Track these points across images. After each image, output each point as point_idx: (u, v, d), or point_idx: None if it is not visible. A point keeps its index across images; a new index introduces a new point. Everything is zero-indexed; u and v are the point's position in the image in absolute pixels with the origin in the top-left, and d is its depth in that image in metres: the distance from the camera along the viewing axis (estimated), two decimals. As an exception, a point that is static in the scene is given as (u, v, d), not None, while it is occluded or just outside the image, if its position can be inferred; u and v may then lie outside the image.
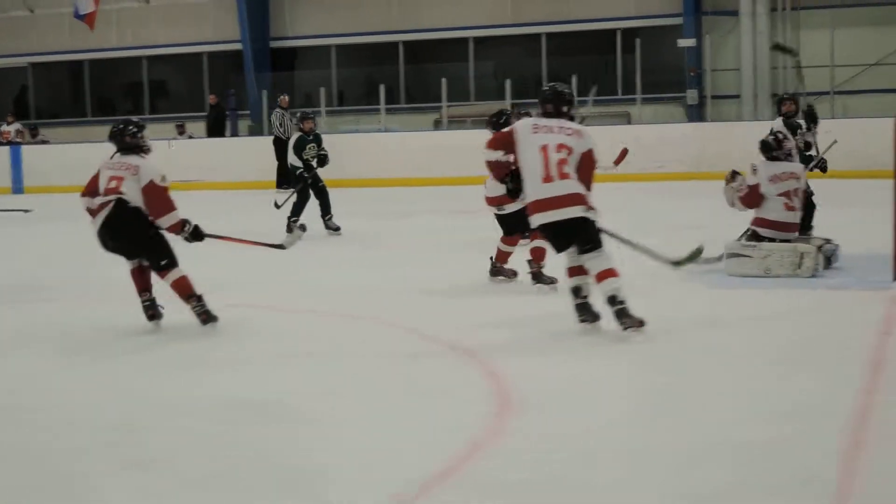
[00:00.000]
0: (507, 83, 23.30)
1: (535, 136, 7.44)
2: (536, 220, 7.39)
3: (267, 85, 25.92)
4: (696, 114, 23.32)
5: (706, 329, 7.44)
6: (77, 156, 22.66)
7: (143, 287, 8.03)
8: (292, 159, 13.66)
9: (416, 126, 24.55)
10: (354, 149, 21.97)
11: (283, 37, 27.21)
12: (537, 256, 9.06)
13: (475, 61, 26.01)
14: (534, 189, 7.38)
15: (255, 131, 25.28)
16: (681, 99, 23.77)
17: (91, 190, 7.93)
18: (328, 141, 14.26)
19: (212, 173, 22.29)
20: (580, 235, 7.30)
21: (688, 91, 23.68)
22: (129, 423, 5.47)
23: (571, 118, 7.64)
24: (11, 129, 26.28)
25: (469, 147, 20.09)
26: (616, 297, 7.12)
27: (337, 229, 13.65)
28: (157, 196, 7.73)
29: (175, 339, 7.64)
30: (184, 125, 25.10)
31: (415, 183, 20.95)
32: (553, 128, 7.42)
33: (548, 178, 7.30)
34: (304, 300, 9.03)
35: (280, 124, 21.57)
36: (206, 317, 7.87)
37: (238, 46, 26.69)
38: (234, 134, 25.90)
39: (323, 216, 13.70)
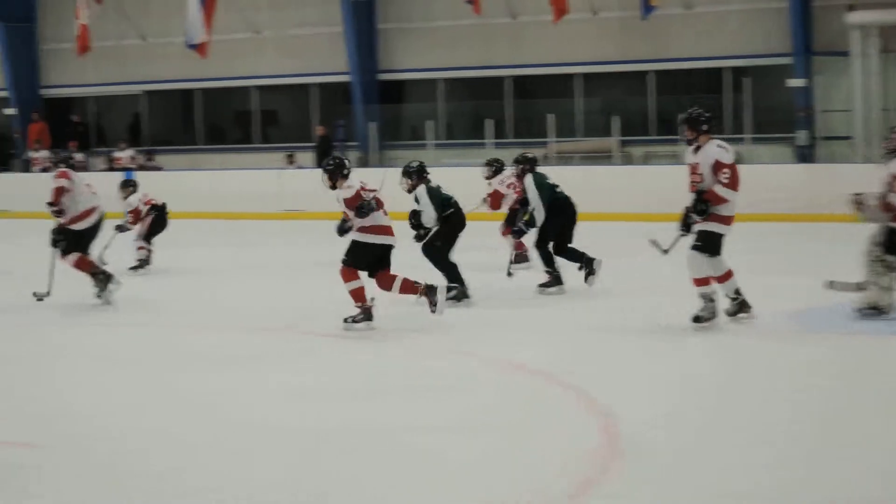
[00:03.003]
0: (614, 120, 23.21)
1: None
2: (727, 230, 8.96)
3: (375, 117, 26.16)
4: (807, 154, 23.03)
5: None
6: (189, 184, 23.11)
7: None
8: None
9: (523, 161, 24.47)
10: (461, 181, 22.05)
11: (391, 69, 27.40)
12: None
13: (582, 97, 25.96)
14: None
15: (363, 163, 25.43)
16: (790, 139, 23.49)
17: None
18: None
19: (318, 203, 22.48)
20: None
21: (797, 131, 23.39)
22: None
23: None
24: (124, 155, 26.92)
25: (579, 183, 20.20)
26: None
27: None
28: None
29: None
30: (293, 155, 25.40)
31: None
32: None
33: None
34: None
35: None
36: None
37: (346, 78, 26.91)
38: (343, 165, 25.99)
39: None
